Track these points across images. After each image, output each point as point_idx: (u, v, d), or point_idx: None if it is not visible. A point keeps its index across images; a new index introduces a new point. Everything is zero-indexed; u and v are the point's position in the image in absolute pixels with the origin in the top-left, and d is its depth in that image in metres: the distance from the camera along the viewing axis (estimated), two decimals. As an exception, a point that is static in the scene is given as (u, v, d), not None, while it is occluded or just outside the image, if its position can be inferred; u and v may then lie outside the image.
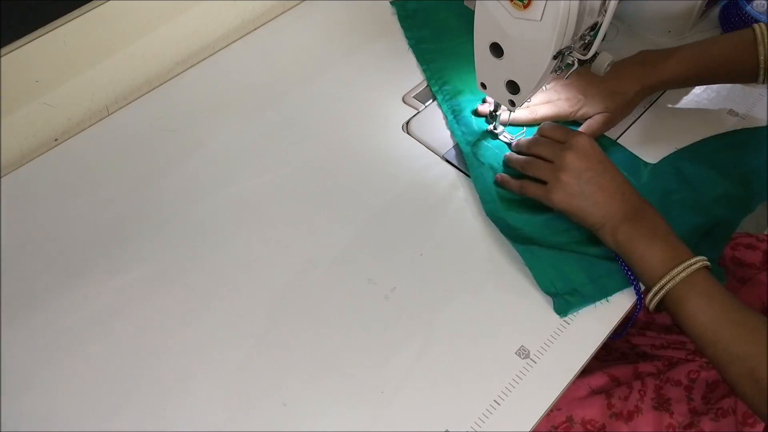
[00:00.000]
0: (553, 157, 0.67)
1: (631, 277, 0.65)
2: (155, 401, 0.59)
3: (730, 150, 0.76)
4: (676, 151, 0.76)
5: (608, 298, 0.65)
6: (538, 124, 0.77)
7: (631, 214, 0.64)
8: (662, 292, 0.60)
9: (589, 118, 0.75)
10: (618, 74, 0.75)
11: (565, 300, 0.64)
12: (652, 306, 0.62)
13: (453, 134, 0.77)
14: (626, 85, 0.74)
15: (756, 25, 0.73)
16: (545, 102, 0.76)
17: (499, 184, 0.72)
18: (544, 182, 0.68)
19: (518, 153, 0.73)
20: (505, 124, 0.76)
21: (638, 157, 0.76)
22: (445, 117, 0.79)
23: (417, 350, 0.62)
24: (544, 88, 0.76)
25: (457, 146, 0.76)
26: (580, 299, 0.64)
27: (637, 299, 0.65)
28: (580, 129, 0.75)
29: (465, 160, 0.74)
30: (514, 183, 0.71)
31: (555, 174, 0.66)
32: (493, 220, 0.69)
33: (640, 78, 0.74)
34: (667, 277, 0.60)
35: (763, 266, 0.79)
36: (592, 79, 0.75)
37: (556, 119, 0.76)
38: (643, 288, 0.64)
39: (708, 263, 0.61)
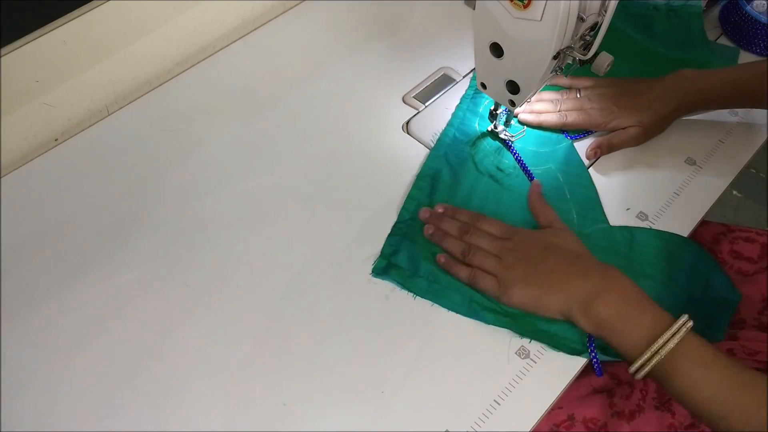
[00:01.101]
0: (498, 253, 0.64)
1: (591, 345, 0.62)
2: (155, 401, 0.59)
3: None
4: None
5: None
6: (552, 129, 0.77)
7: (595, 289, 0.59)
8: (648, 367, 0.56)
9: (621, 129, 0.74)
10: (656, 89, 0.74)
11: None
12: (639, 377, 0.57)
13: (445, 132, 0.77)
14: (663, 101, 0.73)
15: None
16: (577, 109, 0.75)
17: (442, 266, 0.66)
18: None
19: (434, 225, 0.69)
20: (532, 126, 0.76)
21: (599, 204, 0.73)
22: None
23: (417, 350, 0.62)
24: (577, 94, 0.76)
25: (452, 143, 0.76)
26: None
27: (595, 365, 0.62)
28: (610, 137, 0.74)
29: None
30: (463, 271, 0.65)
31: (504, 272, 0.63)
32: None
33: (678, 95, 0.73)
34: (650, 352, 0.56)
35: (761, 260, 0.79)
36: (627, 91, 0.74)
37: (587, 128, 0.75)
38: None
39: (691, 322, 0.56)
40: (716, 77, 0.73)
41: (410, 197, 0.71)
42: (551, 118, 0.75)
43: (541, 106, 0.76)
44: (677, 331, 0.56)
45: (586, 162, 0.75)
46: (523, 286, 0.62)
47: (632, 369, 0.57)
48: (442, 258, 0.67)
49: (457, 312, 0.64)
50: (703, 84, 0.73)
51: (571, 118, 0.75)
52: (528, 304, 0.62)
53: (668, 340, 0.55)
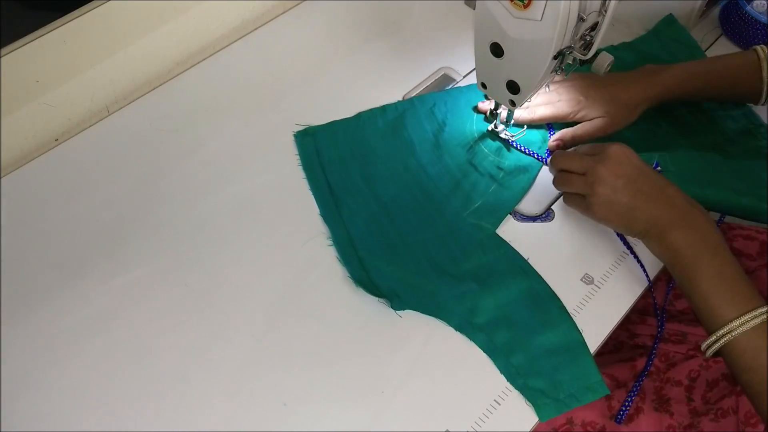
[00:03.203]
0: (585, 170, 0.65)
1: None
2: (155, 401, 0.59)
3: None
4: None
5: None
6: (538, 125, 0.77)
7: (678, 219, 0.60)
8: (722, 341, 0.57)
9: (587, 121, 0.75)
10: (623, 81, 0.75)
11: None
12: (710, 353, 0.58)
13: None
14: (630, 92, 0.74)
15: (758, 47, 0.73)
16: (545, 103, 0.76)
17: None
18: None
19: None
20: (504, 123, 0.76)
21: None
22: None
23: (417, 350, 0.62)
24: (546, 89, 0.76)
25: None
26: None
27: None
28: (574, 128, 0.74)
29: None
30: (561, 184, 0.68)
31: (590, 187, 0.64)
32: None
33: (645, 87, 0.74)
34: (729, 327, 0.56)
35: (761, 257, 0.79)
36: (596, 83, 0.74)
37: (555, 120, 0.75)
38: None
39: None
40: (681, 69, 0.75)
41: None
42: (520, 113, 0.75)
43: None
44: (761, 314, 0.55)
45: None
46: (609, 203, 0.63)
47: (708, 341, 0.57)
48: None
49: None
50: (667, 76, 0.74)
51: (540, 111, 0.75)
52: (611, 220, 0.64)
53: (753, 318, 0.55)
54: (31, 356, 0.61)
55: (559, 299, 0.65)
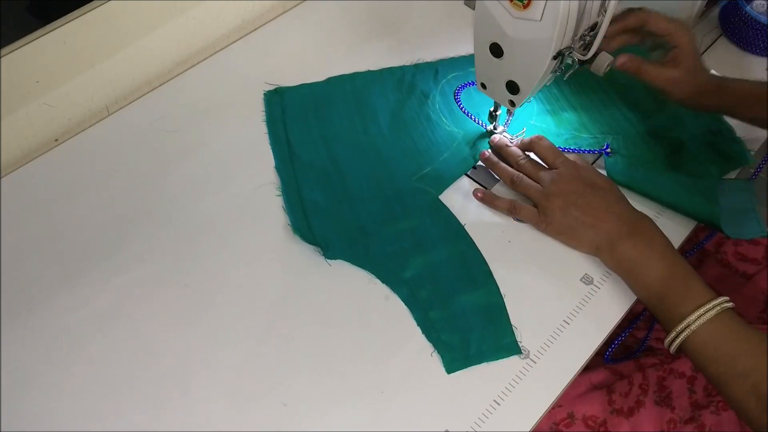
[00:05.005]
0: (539, 181, 0.67)
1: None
2: (155, 401, 0.59)
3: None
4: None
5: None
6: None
7: (626, 231, 0.63)
8: (682, 336, 0.58)
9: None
10: (710, 76, 0.70)
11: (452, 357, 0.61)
12: (673, 348, 0.59)
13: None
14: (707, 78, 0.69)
15: None
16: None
17: (480, 199, 0.71)
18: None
19: (494, 152, 0.74)
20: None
21: None
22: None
23: (417, 350, 0.62)
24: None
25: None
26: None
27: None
28: (647, 62, 0.68)
29: None
30: (503, 202, 0.69)
31: (544, 201, 0.66)
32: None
33: (714, 94, 0.69)
34: (686, 321, 0.57)
35: (765, 261, 0.79)
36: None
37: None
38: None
39: (731, 304, 0.57)
40: (741, 88, 0.69)
41: None
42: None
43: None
44: (712, 307, 0.57)
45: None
46: (561, 218, 0.65)
47: (668, 340, 0.59)
48: (479, 193, 0.71)
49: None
50: (731, 90, 0.69)
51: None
52: (563, 234, 0.66)
53: (706, 312, 0.57)
54: (31, 356, 0.61)
55: (486, 264, 0.66)
